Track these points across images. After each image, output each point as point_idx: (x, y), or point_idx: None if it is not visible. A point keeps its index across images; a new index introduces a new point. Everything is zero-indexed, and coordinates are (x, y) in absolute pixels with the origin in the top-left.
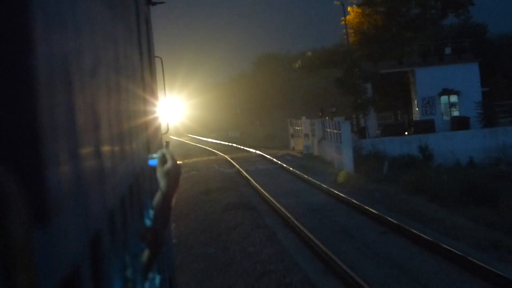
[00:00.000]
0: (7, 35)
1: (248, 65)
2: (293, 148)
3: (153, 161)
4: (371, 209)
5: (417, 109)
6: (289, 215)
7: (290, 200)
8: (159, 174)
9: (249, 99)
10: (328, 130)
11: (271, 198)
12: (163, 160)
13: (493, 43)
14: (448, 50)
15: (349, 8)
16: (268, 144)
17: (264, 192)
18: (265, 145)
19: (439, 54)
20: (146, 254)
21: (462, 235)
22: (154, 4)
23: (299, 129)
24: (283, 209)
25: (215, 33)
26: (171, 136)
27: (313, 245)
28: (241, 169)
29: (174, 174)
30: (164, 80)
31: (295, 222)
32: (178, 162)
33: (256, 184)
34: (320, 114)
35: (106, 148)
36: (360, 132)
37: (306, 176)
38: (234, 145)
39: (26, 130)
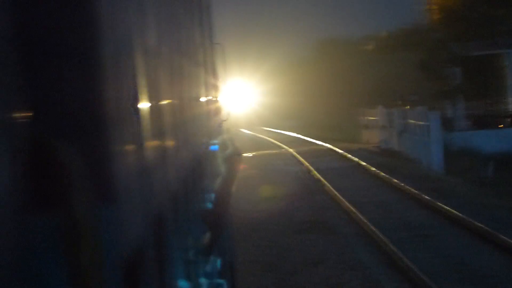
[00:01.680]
0: (74, 20)
1: (309, 50)
2: (367, 141)
3: (215, 147)
4: None
5: None
6: (391, 246)
7: (382, 216)
8: (220, 159)
9: (311, 86)
10: (410, 121)
11: (357, 213)
12: (223, 146)
13: None
14: None
15: None
16: (335, 136)
17: (346, 202)
18: (332, 136)
19: None
20: (207, 236)
21: None
22: None
23: (374, 119)
24: (378, 233)
25: (277, 18)
26: (242, 130)
27: None
28: (311, 168)
29: (234, 160)
30: (225, 66)
31: (405, 261)
32: (238, 148)
33: (333, 190)
34: (399, 102)
35: (169, 133)
36: (447, 124)
37: (395, 180)
38: (298, 135)
39: (90, 117)
